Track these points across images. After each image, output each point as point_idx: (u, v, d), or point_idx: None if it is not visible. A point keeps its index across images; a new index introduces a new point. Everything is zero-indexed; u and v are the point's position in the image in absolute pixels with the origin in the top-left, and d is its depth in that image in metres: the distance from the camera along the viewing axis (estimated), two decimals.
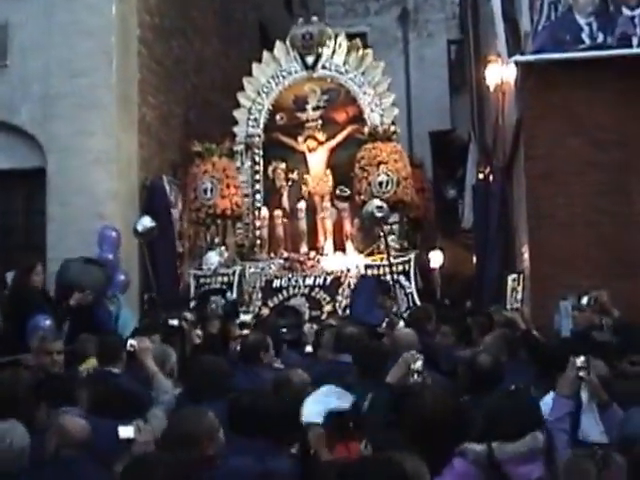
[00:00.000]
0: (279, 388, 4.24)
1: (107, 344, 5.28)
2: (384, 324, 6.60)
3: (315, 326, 7.92)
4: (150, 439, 3.53)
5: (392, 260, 8.84)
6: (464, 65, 17.32)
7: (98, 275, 7.82)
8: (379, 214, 8.42)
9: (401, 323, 5.78)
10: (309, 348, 6.69)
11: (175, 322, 6.24)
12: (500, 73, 9.28)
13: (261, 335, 5.62)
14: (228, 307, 8.02)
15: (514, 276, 6.04)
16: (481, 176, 10.94)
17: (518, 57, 7.82)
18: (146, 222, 8.41)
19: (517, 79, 8.18)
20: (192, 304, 9.18)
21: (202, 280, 9.94)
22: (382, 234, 8.80)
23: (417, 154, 14.19)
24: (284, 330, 7.05)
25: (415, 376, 4.13)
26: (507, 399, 3.44)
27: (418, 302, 9.03)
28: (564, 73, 7.53)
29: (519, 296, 5.71)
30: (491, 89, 10.02)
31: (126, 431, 3.51)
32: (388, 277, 8.87)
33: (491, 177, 10.12)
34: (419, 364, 4.15)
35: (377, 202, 8.59)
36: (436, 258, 11.22)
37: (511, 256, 9.18)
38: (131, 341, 4.77)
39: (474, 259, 10.80)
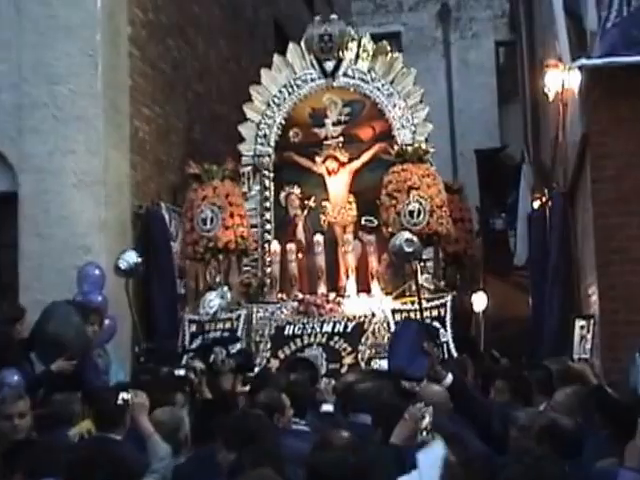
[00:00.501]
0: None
1: (104, 405, 5.11)
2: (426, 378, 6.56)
3: (334, 381, 7.89)
4: None
5: (424, 304, 8.80)
6: (516, 71, 17.41)
7: (85, 330, 7.76)
8: (408, 249, 8.38)
9: (450, 376, 5.75)
10: (326, 407, 6.69)
11: (182, 372, 6.20)
12: (561, 80, 9.32)
13: (276, 393, 5.59)
14: (241, 358, 7.98)
15: (582, 322, 6.03)
16: (537, 203, 10.94)
17: (583, 61, 7.80)
18: (130, 258, 8.41)
19: (581, 87, 8.19)
20: (187, 356, 9.15)
21: (200, 327, 9.88)
22: (412, 272, 8.78)
23: (461, 177, 14.22)
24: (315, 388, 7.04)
25: (424, 434, 4.13)
26: (523, 472, 3.30)
27: (455, 353, 9.00)
28: (638, 79, 7.50)
29: (588, 345, 5.69)
30: (550, 99, 10.06)
31: None
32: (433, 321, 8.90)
33: (550, 204, 10.11)
34: (428, 420, 4.14)
35: (406, 234, 8.56)
36: (479, 301, 11.20)
37: (575, 298, 9.14)
38: (124, 395, 4.73)
39: (529, 301, 10.76)
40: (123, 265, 8.35)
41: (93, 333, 7.95)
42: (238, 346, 9.51)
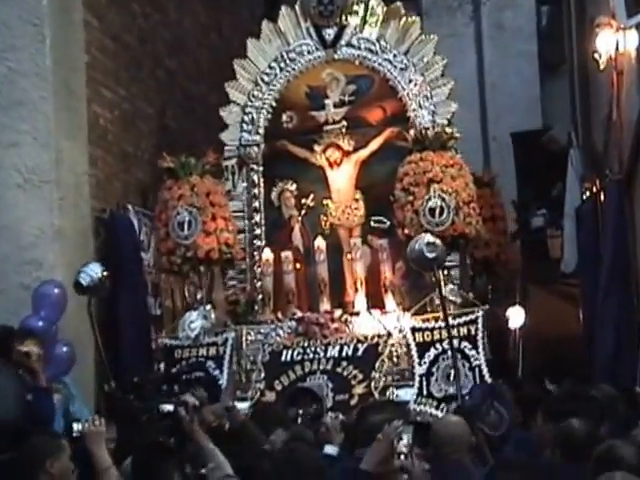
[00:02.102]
0: None
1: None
2: None
3: (341, 416, 8.00)
4: None
5: (451, 320, 8.93)
6: (562, 35, 17.44)
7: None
8: (431, 254, 8.51)
9: None
10: (330, 449, 6.78)
11: (170, 407, 6.31)
12: (614, 42, 9.25)
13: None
14: (209, 388, 8.07)
15: None
16: (588, 194, 11.01)
17: None
18: (94, 271, 8.47)
19: None
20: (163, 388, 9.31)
21: (178, 353, 10.02)
22: (436, 283, 8.91)
23: (495, 167, 14.29)
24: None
25: (401, 458, 4.27)
26: None
27: (488, 379, 9.07)
28: None
29: None
30: (601, 67, 9.94)
31: None
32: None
33: (602, 195, 10.19)
34: (405, 442, 4.26)
35: (427, 237, 8.70)
36: (516, 316, 11.27)
37: (636, 309, 9.17)
38: (76, 425, 4.88)
39: (580, 315, 10.86)
40: (85, 281, 8.35)
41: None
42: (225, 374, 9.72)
